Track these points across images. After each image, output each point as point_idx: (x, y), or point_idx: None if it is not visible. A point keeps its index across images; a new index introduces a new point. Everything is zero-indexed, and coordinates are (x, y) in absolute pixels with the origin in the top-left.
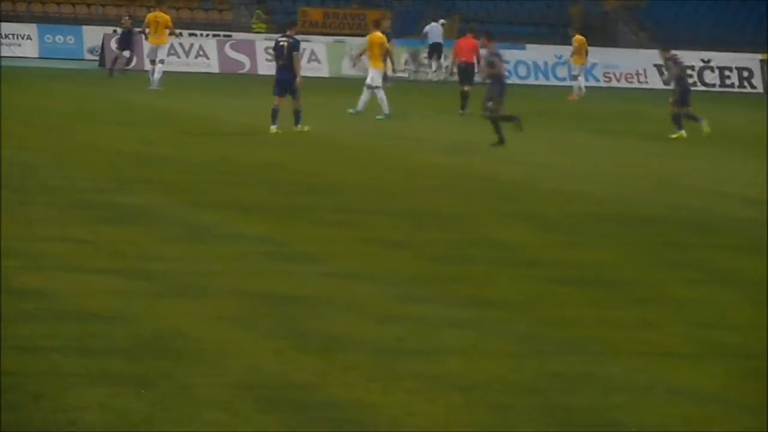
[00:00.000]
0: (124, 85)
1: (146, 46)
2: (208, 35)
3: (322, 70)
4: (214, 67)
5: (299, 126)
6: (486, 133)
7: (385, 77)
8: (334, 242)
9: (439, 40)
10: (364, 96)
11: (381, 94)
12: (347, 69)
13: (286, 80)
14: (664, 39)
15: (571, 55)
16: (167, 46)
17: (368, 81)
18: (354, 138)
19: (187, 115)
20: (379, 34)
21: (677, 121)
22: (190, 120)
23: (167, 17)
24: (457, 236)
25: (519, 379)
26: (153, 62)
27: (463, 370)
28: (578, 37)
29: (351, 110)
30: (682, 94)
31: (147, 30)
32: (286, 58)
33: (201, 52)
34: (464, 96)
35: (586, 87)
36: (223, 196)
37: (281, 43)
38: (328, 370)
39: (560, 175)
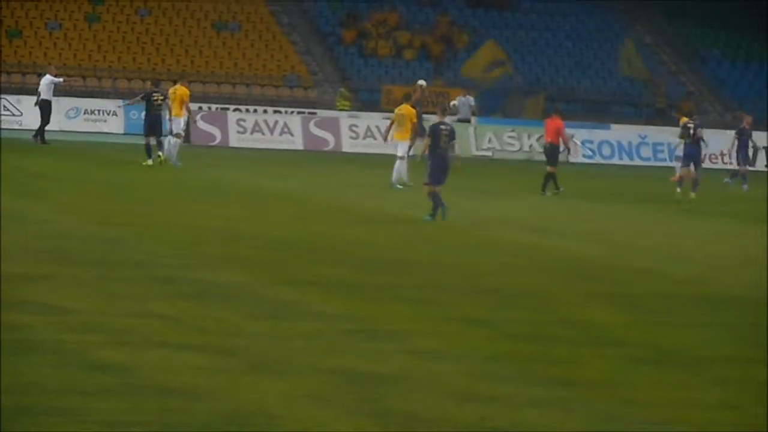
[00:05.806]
0: (207, 161)
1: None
2: (292, 112)
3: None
4: (298, 144)
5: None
6: (568, 212)
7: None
8: (415, 320)
9: (467, 116)
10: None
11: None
12: None
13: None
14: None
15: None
16: (183, 118)
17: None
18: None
19: (271, 192)
20: (408, 106)
21: None
22: (273, 197)
23: (186, 91)
24: (538, 315)
25: None
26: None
27: None
28: (684, 118)
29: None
30: None
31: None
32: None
33: (286, 129)
34: (547, 177)
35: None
36: (305, 274)
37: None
38: None
39: (643, 254)
